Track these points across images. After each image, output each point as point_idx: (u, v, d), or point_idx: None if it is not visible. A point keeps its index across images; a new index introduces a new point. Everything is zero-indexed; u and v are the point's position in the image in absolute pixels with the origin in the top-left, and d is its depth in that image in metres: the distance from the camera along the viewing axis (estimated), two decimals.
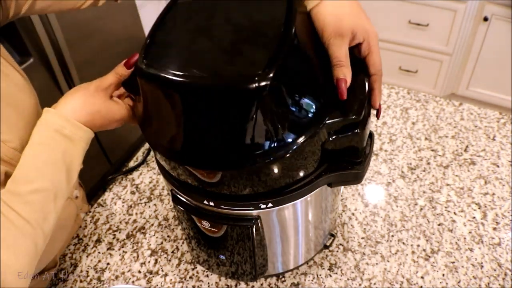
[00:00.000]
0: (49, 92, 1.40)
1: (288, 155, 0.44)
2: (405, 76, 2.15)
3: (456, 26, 1.83)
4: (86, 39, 1.51)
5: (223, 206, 0.51)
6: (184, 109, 0.43)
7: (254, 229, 0.53)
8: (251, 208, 0.51)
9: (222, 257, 0.61)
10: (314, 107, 0.45)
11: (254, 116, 0.41)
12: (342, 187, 0.82)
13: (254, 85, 0.39)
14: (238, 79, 0.40)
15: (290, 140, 0.43)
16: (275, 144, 0.43)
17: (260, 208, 0.51)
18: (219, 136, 0.43)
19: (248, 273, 0.62)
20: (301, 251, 0.65)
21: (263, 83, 0.39)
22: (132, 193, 0.86)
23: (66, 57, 1.40)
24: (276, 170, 0.46)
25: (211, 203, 0.51)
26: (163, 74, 0.41)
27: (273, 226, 0.56)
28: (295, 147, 0.44)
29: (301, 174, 0.49)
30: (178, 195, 0.55)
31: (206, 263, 0.66)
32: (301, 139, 0.44)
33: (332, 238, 0.72)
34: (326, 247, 0.72)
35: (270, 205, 0.50)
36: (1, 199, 0.44)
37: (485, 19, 1.75)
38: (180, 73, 0.41)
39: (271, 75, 0.39)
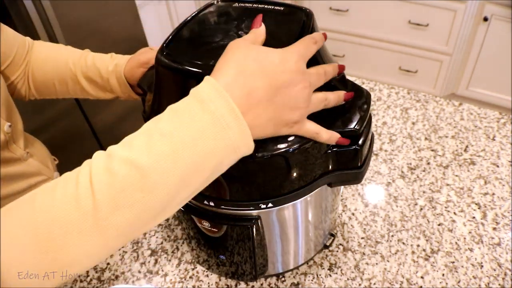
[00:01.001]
0: None
1: (290, 151, 0.45)
2: (405, 76, 2.15)
3: (456, 26, 1.83)
4: (86, 39, 1.52)
5: (223, 206, 0.51)
6: None
7: (254, 229, 0.53)
8: (251, 208, 0.51)
9: (222, 257, 0.61)
10: (319, 112, 0.47)
11: None
12: (342, 187, 0.83)
13: None
14: None
15: (292, 138, 0.45)
16: (278, 142, 0.44)
17: (260, 208, 0.51)
18: None
19: (248, 273, 0.62)
20: (301, 251, 0.65)
21: None
22: None
23: None
24: (276, 169, 0.47)
25: (211, 203, 0.51)
26: (179, 65, 0.44)
27: (273, 226, 0.56)
28: (297, 145, 0.45)
29: (301, 175, 0.49)
30: None
31: (206, 263, 0.66)
32: (301, 140, 0.45)
33: (332, 238, 0.73)
34: (326, 247, 0.72)
35: (270, 205, 0.50)
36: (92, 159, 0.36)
37: (485, 19, 1.75)
38: (194, 64, 0.44)
39: None
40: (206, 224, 0.55)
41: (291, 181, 0.49)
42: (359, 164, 0.50)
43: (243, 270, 0.62)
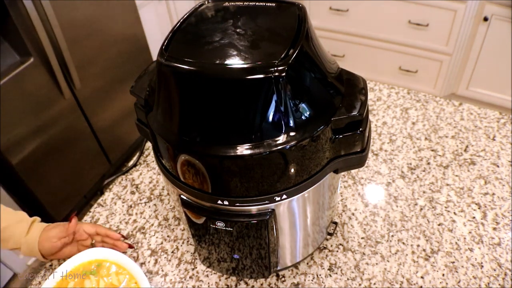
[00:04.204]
0: (49, 92, 1.40)
1: (302, 143, 0.46)
2: (405, 76, 2.15)
3: (456, 26, 1.83)
4: (86, 39, 1.51)
5: (238, 204, 0.51)
6: (203, 98, 0.45)
7: (269, 223, 0.53)
8: (267, 202, 0.51)
9: (236, 256, 0.61)
10: (323, 101, 0.49)
11: (273, 103, 0.44)
12: (341, 184, 0.83)
13: (272, 74, 0.42)
14: (258, 67, 0.43)
15: (305, 128, 0.46)
16: (292, 132, 0.46)
17: (275, 201, 0.51)
18: (242, 124, 0.46)
19: (264, 268, 0.62)
20: (310, 241, 0.66)
21: (281, 70, 0.42)
22: (132, 193, 0.86)
23: (66, 57, 1.41)
24: (289, 161, 0.47)
25: (226, 202, 0.51)
26: (183, 66, 0.44)
27: (285, 218, 0.56)
28: (309, 134, 0.46)
29: (312, 164, 0.50)
30: (189, 200, 0.55)
31: (218, 266, 0.65)
32: (314, 128, 0.47)
33: (335, 225, 0.74)
34: (330, 234, 0.73)
35: (284, 196, 0.51)
36: None
37: (485, 19, 1.75)
38: (196, 64, 0.44)
39: (289, 61, 0.43)
40: (220, 225, 0.54)
41: (303, 170, 0.49)
42: (362, 148, 0.52)
43: (258, 266, 0.62)
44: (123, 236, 0.70)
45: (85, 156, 1.65)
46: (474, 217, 0.75)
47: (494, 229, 0.73)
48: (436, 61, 2.01)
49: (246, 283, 0.69)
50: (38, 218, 0.71)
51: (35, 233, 0.68)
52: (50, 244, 0.67)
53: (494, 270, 0.68)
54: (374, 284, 0.67)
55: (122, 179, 0.89)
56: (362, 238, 0.74)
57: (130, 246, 0.73)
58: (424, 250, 0.71)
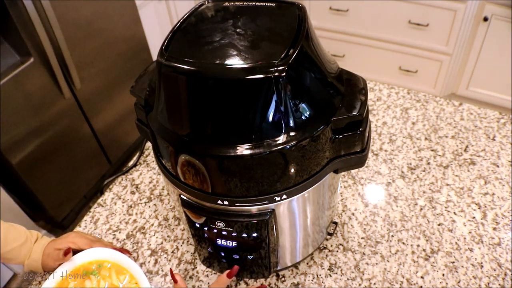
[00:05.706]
0: (49, 92, 1.40)
1: (302, 143, 0.46)
2: (405, 76, 2.15)
3: (456, 26, 1.83)
4: (86, 39, 1.51)
5: (238, 204, 0.51)
6: (203, 98, 0.45)
7: (269, 223, 0.53)
8: (267, 202, 0.51)
9: (236, 256, 0.61)
10: (323, 101, 0.49)
11: (273, 103, 0.44)
12: (341, 184, 0.83)
13: (272, 74, 0.42)
14: (258, 67, 0.43)
15: (305, 128, 0.46)
16: (292, 132, 0.46)
17: (275, 201, 0.51)
18: (242, 124, 0.46)
19: (264, 269, 0.62)
20: (310, 241, 0.66)
21: (281, 70, 0.42)
22: (132, 193, 0.86)
23: (66, 57, 1.41)
24: (289, 161, 0.47)
25: (226, 202, 0.51)
26: (183, 66, 0.44)
27: (285, 218, 0.56)
28: (309, 134, 0.46)
29: (312, 164, 0.50)
30: (189, 200, 0.55)
31: (218, 266, 0.65)
32: (314, 128, 0.47)
33: (335, 225, 0.74)
34: (330, 234, 0.73)
35: (284, 197, 0.51)
36: None
37: (485, 19, 1.75)
38: (196, 64, 0.44)
39: (289, 62, 0.43)
40: (220, 225, 0.54)
41: (303, 170, 0.49)
42: (362, 148, 0.52)
43: (258, 267, 0.62)
44: (119, 249, 0.69)
45: (85, 156, 1.65)
46: (474, 217, 0.75)
47: (494, 229, 0.73)
48: (436, 61, 2.01)
49: (246, 283, 0.69)
50: (39, 234, 0.71)
51: (38, 254, 0.68)
52: (50, 264, 0.68)
53: (494, 270, 0.68)
54: (374, 284, 0.67)
55: (122, 179, 0.89)
56: (362, 238, 0.74)
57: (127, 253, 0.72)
58: (424, 250, 0.71)
